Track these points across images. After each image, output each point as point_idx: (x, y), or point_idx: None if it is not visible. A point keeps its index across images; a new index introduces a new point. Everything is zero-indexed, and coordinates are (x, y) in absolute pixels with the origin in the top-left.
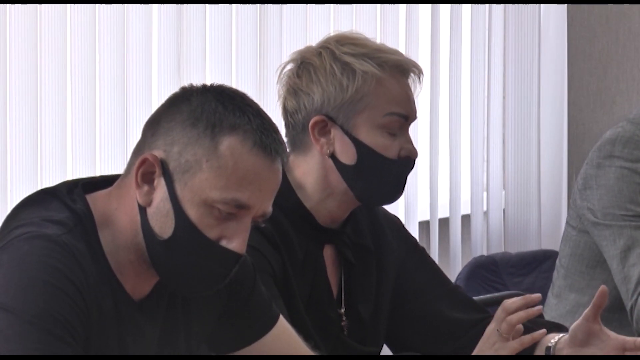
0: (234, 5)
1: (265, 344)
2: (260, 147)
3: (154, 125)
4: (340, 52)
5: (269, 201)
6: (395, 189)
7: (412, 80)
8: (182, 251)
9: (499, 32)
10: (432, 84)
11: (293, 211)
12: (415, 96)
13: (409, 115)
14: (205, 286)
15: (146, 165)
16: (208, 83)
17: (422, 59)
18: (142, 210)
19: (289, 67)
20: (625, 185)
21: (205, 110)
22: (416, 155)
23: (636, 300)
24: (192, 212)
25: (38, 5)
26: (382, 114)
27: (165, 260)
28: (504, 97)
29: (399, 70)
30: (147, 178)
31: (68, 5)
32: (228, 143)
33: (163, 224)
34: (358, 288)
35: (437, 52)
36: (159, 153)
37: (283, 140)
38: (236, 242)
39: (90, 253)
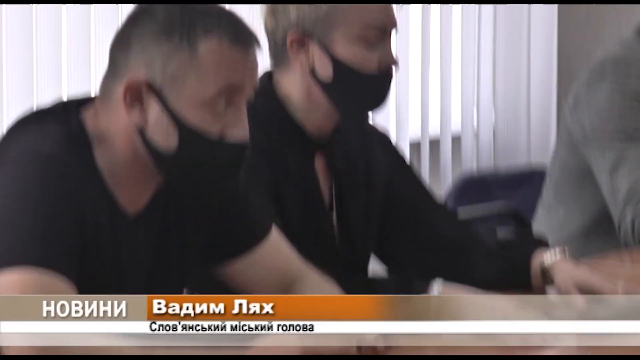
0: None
1: (258, 256)
2: (236, 41)
3: (125, 47)
4: None
5: (255, 77)
6: (375, 103)
7: None
8: (191, 159)
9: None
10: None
11: (283, 123)
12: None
13: (386, 26)
14: (220, 183)
15: (132, 90)
16: None
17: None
18: (141, 131)
19: None
20: (615, 103)
21: (174, 22)
22: (396, 64)
23: (623, 210)
24: (191, 118)
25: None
26: (359, 26)
27: (177, 173)
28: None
29: None
30: (136, 99)
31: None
32: (206, 46)
33: (166, 138)
34: (348, 196)
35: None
36: (140, 73)
37: (250, 26)
38: (238, 128)
39: (85, 170)
